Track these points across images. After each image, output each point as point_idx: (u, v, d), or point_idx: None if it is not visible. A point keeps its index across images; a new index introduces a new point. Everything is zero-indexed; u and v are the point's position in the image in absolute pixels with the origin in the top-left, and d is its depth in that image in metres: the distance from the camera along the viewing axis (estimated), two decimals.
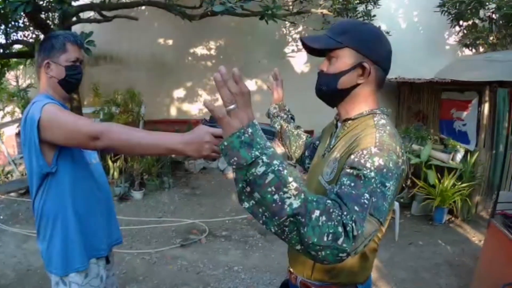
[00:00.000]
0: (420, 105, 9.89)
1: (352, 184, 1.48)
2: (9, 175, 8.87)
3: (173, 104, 11.33)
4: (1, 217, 7.20)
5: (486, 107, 7.59)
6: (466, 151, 7.91)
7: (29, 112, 2.35)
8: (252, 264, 5.81)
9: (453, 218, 7.55)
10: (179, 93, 11.27)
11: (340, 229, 1.34)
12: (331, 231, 1.32)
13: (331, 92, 1.88)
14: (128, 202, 8.03)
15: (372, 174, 1.50)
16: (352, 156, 1.60)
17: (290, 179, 1.34)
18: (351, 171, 1.53)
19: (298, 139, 2.65)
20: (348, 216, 1.36)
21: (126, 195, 8.19)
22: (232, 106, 1.37)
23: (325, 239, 1.32)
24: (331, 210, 1.36)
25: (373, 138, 1.64)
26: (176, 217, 7.37)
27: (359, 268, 1.93)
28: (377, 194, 1.47)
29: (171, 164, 9.02)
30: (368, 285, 2.02)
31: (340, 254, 1.36)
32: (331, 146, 1.97)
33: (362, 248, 1.44)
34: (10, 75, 11.50)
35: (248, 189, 1.36)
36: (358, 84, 1.84)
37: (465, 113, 8.35)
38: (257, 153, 1.33)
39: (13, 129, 10.11)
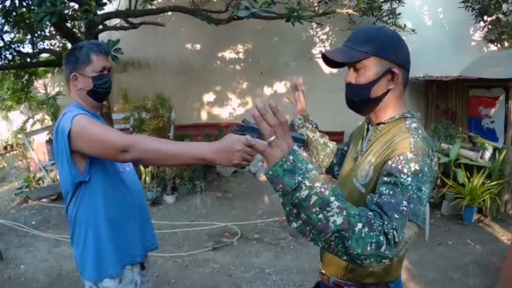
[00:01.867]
0: (448, 103, 9.83)
1: (391, 193, 1.57)
2: (40, 182, 9.00)
3: (202, 108, 11.43)
4: (33, 222, 7.35)
5: None
6: (495, 149, 7.85)
7: (61, 123, 2.41)
8: (284, 266, 5.85)
9: (482, 217, 7.48)
10: (209, 97, 11.37)
11: (382, 238, 1.44)
12: (373, 240, 1.43)
13: (364, 102, 1.91)
14: (161, 206, 8.13)
15: (409, 180, 1.58)
16: (389, 162, 1.68)
17: (332, 198, 1.46)
18: (389, 179, 1.61)
19: (325, 147, 2.67)
20: (389, 225, 1.47)
21: (159, 200, 8.29)
22: (272, 138, 1.50)
23: (368, 248, 1.43)
24: (372, 222, 1.47)
25: (409, 143, 1.70)
26: (208, 221, 7.44)
27: (391, 267, 1.98)
28: (414, 200, 1.56)
29: (203, 168, 9.08)
30: (399, 283, 2.07)
31: (384, 260, 1.46)
32: (363, 150, 2.00)
33: (404, 252, 1.54)
34: (38, 84, 11.67)
35: (295, 211, 1.48)
36: (389, 90, 1.88)
37: (492, 110, 8.27)
38: (299, 178, 1.45)
39: (43, 136, 10.25)
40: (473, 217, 7.32)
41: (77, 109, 2.49)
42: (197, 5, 9.58)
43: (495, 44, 9.67)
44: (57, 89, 11.49)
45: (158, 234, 6.42)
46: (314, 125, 2.81)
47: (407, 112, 1.92)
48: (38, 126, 11.21)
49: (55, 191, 8.31)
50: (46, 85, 11.83)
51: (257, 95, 11.29)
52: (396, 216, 1.50)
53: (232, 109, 11.30)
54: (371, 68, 1.83)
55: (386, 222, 1.47)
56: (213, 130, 10.22)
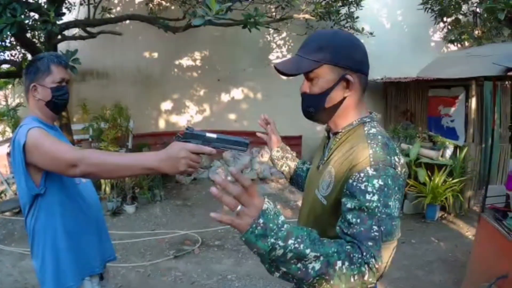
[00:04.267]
0: (407, 104, 9.96)
1: (358, 221, 1.56)
2: (2, 195, 8.84)
3: (161, 116, 11.37)
4: None
5: (473, 102, 7.62)
6: (456, 147, 7.95)
7: (17, 135, 2.38)
8: (246, 272, 5.81)
9: (445, 215, 7.58)
10: (166, 105, 11.32)
11: (363, 268, 1.50)
12: (355, 272, 1.49)
13: (319, 112, 1.86)
14: (121, 216, 8.00)
15: (374, 199, 1.56)
16: (351, 181, 1.63)
17: (307, 250, 1.46)
18: (353, 204, 1.59)
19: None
20: (367, 255, 1.51)
21: (119, 210, 8.15)
22: (238, 208, 1.46)
23: (352, 280, 1.49)
24: (351, 255, 1.51)
25: (367, 156, 1.64)
26: (168, 229, 7.35)
27: None
28: (384, 220, 1.56)
29: (162, 176, 9.00)
30: None
31: (369, 286, 1.56)
32: (325, 159, 1.95)
33: (386, 269, 1.59)
34: None
35: (274, 265, 1.50)
36: (345, 98, 1.81)
37: (452, 109, 8.39)
38: (272, 240, 1.43)
39: (4, 149, 10.07)
40: (436, 215, 7.40)
41: (33, 122, 2.47)
42: (155, 13, 9.55)
43: (455, 44, 9.83)
44: (17, 101, 11.28)
45: (119, 244, 6.38)
46: (293, 154, 2.73)
47: (366, 116, 1.87)
48: None
49: (17, 204, 8.08)
50: (6, 96, 11.64)
51: (215, 102, 11.33)
52: (370, 244, 1.53)
53: (190, 116, 11.25)
54: (324, 76, 1.78)
55: (364, 253, 1.51)
56: (172, 138, 10.19)
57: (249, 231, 1.43)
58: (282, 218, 1.49)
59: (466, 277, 4.79)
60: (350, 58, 1.78)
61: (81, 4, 9.30)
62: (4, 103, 11.55)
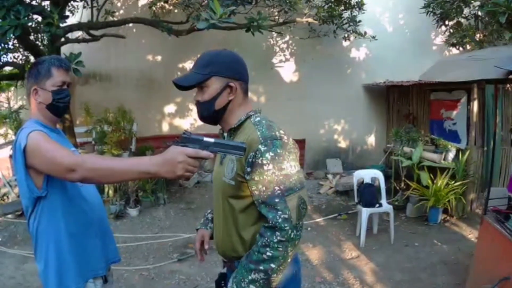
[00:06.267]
0: (409, 107, 9.96)
1: (264, 188, 2.07)
2: (5, 197, 8.83)
3: (164, 120, 11.36)
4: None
5: (475, 105, 7.63)
6: (458, 150, 7.95)
7: (18, 138, 2.38)
8: None
9: (448, 217, 7.58)
10: (170, 108, 11.31)
11: (274, 237, 2.00)
12: (276, 246, 2.01)
13: (211, 114, 2.29)
14: (124, 219, 8.01)
15: (270, 167, 2.06)
16: (250, 160, 2.11)
17: (249, 276, 2.06)
18: (256, 177, 2.09)
19: None
20: (274, 218, 2.02)
21: (122, 213, 8.16)
22: None
23: (280, 249, 2.01)
24: (266, 243, 2.02)
25: (257, 136, 2.12)
26: (172, 232, 7.35)
27: None
28: (281, 180, 2.05)
29: (165, 180, 8.99)
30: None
31: (292, 236, 2.02)
32: (224, 154, 2.20)
33: (303, 213, 2.08)
34: (1, 97, 11.51)
35: None
36: (230, 101, 2.26)
37: (454, 112, 8.40)
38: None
39: (7, 151, 10.07)
40: (438, 218, 7.40)
41: (34, 125, 2.47)
42: (158, 17, 9.55)
43: (457, 47, 9.84)
44: (20, 103, 11.29)
45: (123, 247, 6.38)
46: (208, 213, 2.91)
47: (250, 111, 2.34)
48: (1, 140, 11.00)
49: (20, 207, 8.05)
50: (9, 98, 11.66)
51: None
52: (276, 200, 2.03)
53: (193, 120, 11.21)
54: (213, 85, 2.22)
55: (271, 218, 2.02)
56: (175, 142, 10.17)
57: None
58: (233, 276, 2.20)
59: (468, 279, 4.80)
60: (232, 70, 2.25)
61: (84, 7, 9.28)
62: (6, 105, 11.57)
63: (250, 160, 2.11)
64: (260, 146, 2.08)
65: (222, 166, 2.33)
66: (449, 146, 7.99)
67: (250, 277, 2.06)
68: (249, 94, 2.29)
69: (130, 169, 2.07)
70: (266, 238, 2.01)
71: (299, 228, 2.05)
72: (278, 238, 1.99)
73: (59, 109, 2.63)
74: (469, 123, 7.92)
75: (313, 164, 11.14)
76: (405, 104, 10.16)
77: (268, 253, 2.01)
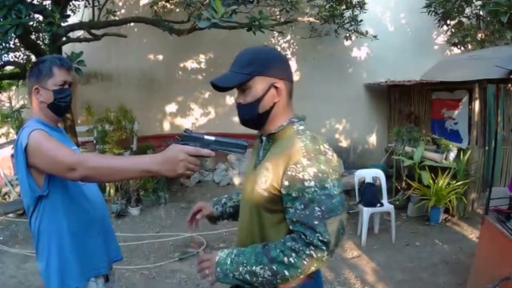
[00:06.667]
0: (411, 106, 9.94)
1: (302, 206, 1.84)
2: (6, 196, 8.84)
3: (165, 119, 11.38)
4: (1, 238, 7.17)
5: (476, 105, 7.62)
6: (459, 150, 7.94)
7: (19, 138, 2.40)
8: None
9: (449, 217, 7.58)
10: (171, 107, 11.34)
11: (308, 250, 1.80)
12: (303, 257, 1.80)
13: (255, 118, 2.07)
14: (126, 218, 8.02)
15: (312, 184, 1.83)
16: (289, 172, 1.88)
17: (254, 267, 1.88)
18: (296, 193, 1.86)
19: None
20: (312, 236, 1.80)
21: (123, 212, 8.17)
22: (206, 272, 2.01)
23: (305, 263, 1.81)
24: (294, 247, 1.82)
25: (300, 148, 1.89)
26: (173, 231, 7.36)
27: None
28: (323, 200, 1.83)
29: (166, 179, 9.00)
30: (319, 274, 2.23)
31: (324, 259, 1.82)
32: (260, 159, 2.14)
33: (340, 239, 1.89)
34: (3, 97, 11.52)
35: (251, 285, 1.95)
36: (275, 103, 2.04)
37: (456, 112, 8.38)
38: (230, 275, 1.92)
39: (8, 151, 10.07)
40: (439, 218, 7.40)
41: (36, 124, 2.48)
42: (159, 16, 9.55)
43: (459, 47, 9.82)
44: (21, 102, 11.31)
45: (124, 246, 6.37)
46: (226, 197, 2.72)
47: (294, 117, 2.10)
48: (3, 140, 11.02)
49: (21, 206, 8.05)
50: (10, 98, 11.67)
51: (219, 105, 11.33)
52: (316, 222, 1.80)
53: (194, 119, 11.28)
54: (256, 87, 2.00)
55: (308, 236, 1.80)
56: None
57: (218, 279, 1.95)
58: (234, 252, 1.97)
59: (470, 279, 4.80)
60: (276, 68, 2.03)
61: (85, 6, 9.31)
62: (8, 104, 11.58)
63: (289, 172, 1.88)
64: (302, 159, 1.86)
65: (255, 172, 2.13)
66: (451, 145, 7.98)
67: (253, 268, 1.87)
68: None
69: (131, 167, 2.08)
70: (298, 245, 1.81)
71: (333, 253, 1.85)
72: (311, 252, 1.79)
73: (60, 108, 2.64)
74: (470, 122, 7.90)
75: None
76: (407, 104, 10.14)
77: (291, 259, 1.80)
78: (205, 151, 1.96)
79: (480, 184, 7.80)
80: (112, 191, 8.22)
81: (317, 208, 1.81)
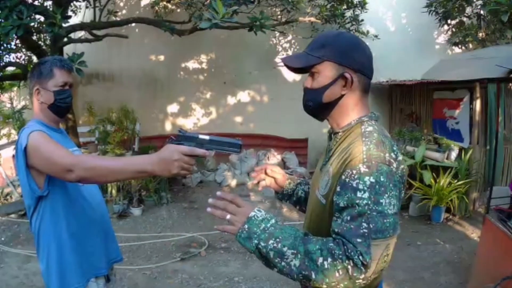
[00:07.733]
0: (412, 106, 9.97)
1: (348, 218, 1.59)
2: (8, 197, 8.85)
3: (167, 119, 11.39)
4: (2, 238, 7.17)
5: (477, 104, 7.64)
6: (460, 149, 7.95)
7: (19, 138, 2.40)
8: (252, 274, 5.80)
9: (451, 216, 7.59)
10: (173, 108, 11.35)
11: (345, 263, 1.53)
12: (338, 267, 1.54)
13: (317, 107, 1.89)
14: (128, 219, 8.02)
15: (365, 196, 1.57)
16: (343, 177, 1.66)
17: (285, 248, 1.64)
18: (345, 202, 1.62)
19: None
20: (353, 252, 1.53)
21: (125, 212, 8.16)
22: (227, 217, 1.78)
23: (336, 275, 1.55)
24: (333, 252, 1.56)
25: (361, 153, 1.66)
26: (175, 232, 7.36)
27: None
28: (374, 217, 1.56)
29: (168, 179, 9.01)
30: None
31: (357, 281, 1.56)
32: (326, 160, 1.95)
33: (382, 266, 1.62)
34: (4, 97, 11.52)
35: (266, 261, 1.71)
36: (342, 95, 1.83)
37: (457, 111, 8.39)
38: (255, 241, 1.69)
39: (10, 151, 10.09)
40: (441, 217, 7.40)
41: (36, 125, 2.48)
42: (161, 17, 9.57)
43: (460, 46, 9.84)
44: (23, 103, 11.31)
45: (125, 246, 6.39)
46: (303, 180, 2.57)
47: (365, 115, 1.88)
48: (4, 140, 11.02)
49: (23, 206, 8.08)
50: (12, 98, 11.67)
51: (221, 105, 11.35)
52: (359, 240, 1.55)
53: (196, 119, 11.29)
54: (324, 72, 1.82)
55: (349, 250, 1.54)
56: None
57: (238, 235, 1.73)
58: (271, 222, 1.73)
59: (471, 278, 4.81)
60: (351, 57, 1.81)
61: (87, 7, 9.32)
62: (9, 105, 11.59)
63: (343, 178, 1.67)
64: (360, 165, 1.62)
65: (320, 175, 1.97)
66: (452, 145, 7.98)
67: (284, 249, 1.62)
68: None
69: (126, 168, 2.09)
70: (339, 253, 1.55)
71: (368, 281, 1.60)
72: (348, 267, 1.53)
73: (60, 109, 2.64)
74: (471, 122, 7.90)
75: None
76: (408, 103, 10.16)
77: (325, 262, 1.56)
78: (200, 151, 1.95)
79: (482, 183, 7.81)
80: (114, 191, 8.22)
81: (364, 224, 1.56)
